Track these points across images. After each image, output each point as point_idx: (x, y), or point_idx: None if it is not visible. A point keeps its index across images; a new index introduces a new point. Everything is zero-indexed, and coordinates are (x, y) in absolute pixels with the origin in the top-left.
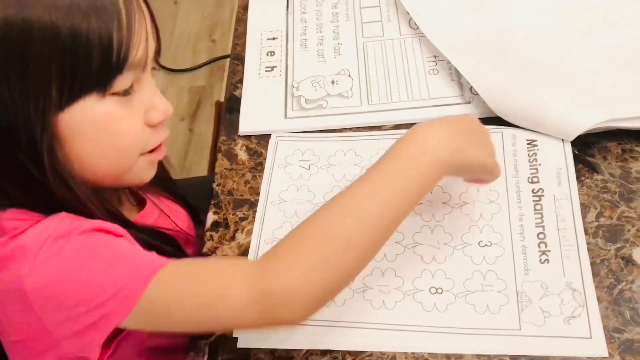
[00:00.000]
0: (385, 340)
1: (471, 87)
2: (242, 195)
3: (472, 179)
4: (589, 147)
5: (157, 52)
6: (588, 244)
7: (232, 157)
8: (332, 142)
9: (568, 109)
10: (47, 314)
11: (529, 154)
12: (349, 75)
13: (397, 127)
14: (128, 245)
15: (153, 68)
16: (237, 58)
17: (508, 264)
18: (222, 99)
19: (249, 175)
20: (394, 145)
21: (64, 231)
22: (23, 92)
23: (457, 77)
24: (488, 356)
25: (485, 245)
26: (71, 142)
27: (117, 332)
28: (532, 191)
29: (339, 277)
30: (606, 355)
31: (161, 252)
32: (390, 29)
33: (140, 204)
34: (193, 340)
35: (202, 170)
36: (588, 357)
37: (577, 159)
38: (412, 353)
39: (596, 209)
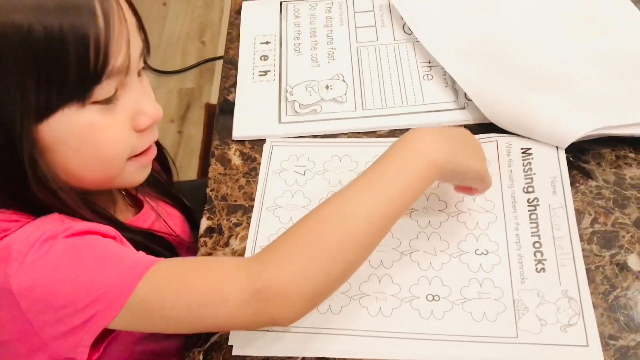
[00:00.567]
0: (381, 348)
1: (465, 93)
2: (236, 201)
3: (463, 187)
4: (583, 154)
5: (147, 52)
6: (583, 250)
7: (225, 162)
8: (328, 147)
9: (562, 116)
10: (35, 315)
11: (523, 163)
12: (343, 80)
13: (392, 132)
14: (117, 245)
15: (143, 68)
16: (230, 62)
17: (504, 273)
18: (211, 101)
19: (242, 181)
20: (389, 147)
21: (53, 233)
22: (2, 102)
23: (452, 83)
24: None
25: (482, 253)
26: (54, 152)
27: (106, 334)
28: (528, 201)
29: (333, 277)
30: None
31: (156, 255)
32: (384, 33)
33: (138, 206)
34: (186, 345)
35: (191, 173)
36: None
37: (571, 165)
38: None
39: (591, 215)
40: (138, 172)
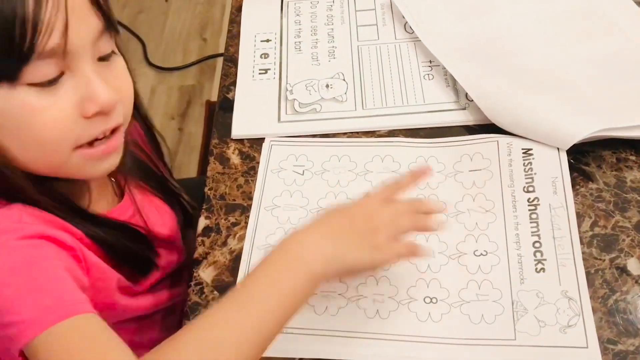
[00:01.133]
0: (378, 350)
1: (466, 93)
2: (234, 200)
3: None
4: (584, 156)
5: (112, 32)
6: (582, 253)
7: (224, 160)
8: (327, 147)
9: (563, 118)
10: None
11: (524, 163)
12: (344, 79)
13: (392, 132)
14: (59, 272)
15: (113, 52)
16: (230, 60)
17: (503, 273)
18: (212, 99)
19: (241, 180)
20: (269, 253)
21: (4, 229)
22: None
23: (453, 83)
24: None
25: (481, 254)
26: None
27: None
28: (528, 200)
29: None
30: None
31: (122, 248)
32: (386, 32)
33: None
34: None
35: (191, 170)
36: None
37: (572, 167)
38: None
39: (591, 218)
40: (88, 165)
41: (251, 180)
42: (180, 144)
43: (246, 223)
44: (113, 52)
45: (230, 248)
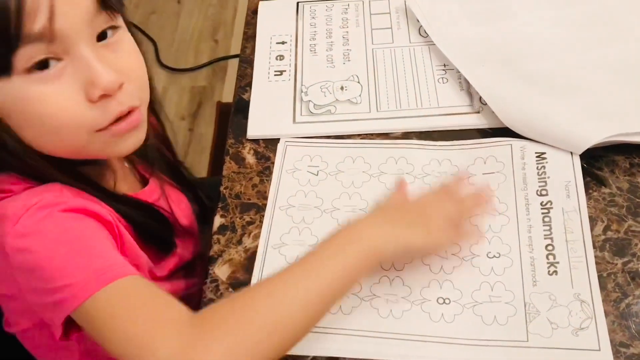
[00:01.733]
0: (391, 350)
1: (480, 97)
2: (249, 199)
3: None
4: (596, 161)
5: (113, 10)
6: (595, 257)
7: (239, 160)
8: (341, 148)
9: (577, 122)
10: (21, 277)
11: (537, 167)
12: (358, 82)
13: (406, 135)
14: (102, 240)
15: (114, 27)
16: (246, 61)
17: (516, 275)
18: (223, 100)
19: (256, 179)
20: (333, 232)
21: (49, 202)
22: None
23: (467, 87)
24: None
25: (494, 256)
26: (7, 121)
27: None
28: (541, 204)
29: (263, 357)
30: None
31: (152, 231)
32: (400, 36)
33: (145, 182)
34: None
35: (202, 171)
36: None
37: (585, 172)
38: None
39: (603, 222)
40: (112, 143)
41: (266, 180)
42: (190, 144)
43: (261, 222)
44: (114, 27)
45: (245, 246)
